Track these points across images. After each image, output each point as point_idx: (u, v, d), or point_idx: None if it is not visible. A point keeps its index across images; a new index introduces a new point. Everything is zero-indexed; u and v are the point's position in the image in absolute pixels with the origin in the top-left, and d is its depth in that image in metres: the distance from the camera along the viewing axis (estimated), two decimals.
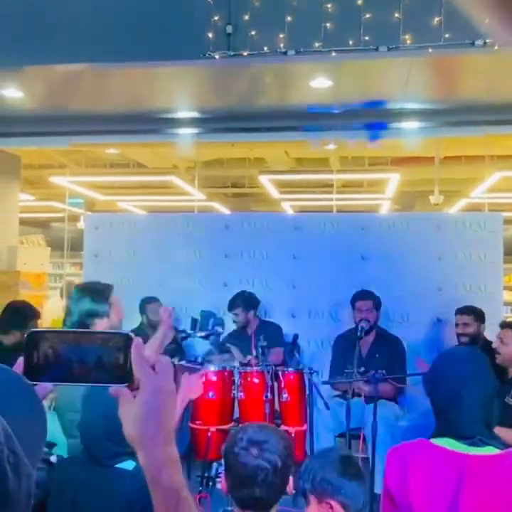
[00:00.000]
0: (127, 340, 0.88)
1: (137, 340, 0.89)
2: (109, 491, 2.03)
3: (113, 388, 0.89)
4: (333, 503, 1.94)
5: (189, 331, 3.85)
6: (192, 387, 3.19)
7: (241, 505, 1.92)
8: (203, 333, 3.86)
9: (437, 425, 2.01)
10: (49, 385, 0.90)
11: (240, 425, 3.44)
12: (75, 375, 0.88)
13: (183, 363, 3.75)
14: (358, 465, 2.19)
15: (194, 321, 3.85)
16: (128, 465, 2.07)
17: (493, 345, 4.05)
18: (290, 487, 1.99)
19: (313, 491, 1.97)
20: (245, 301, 5.24)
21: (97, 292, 2.94)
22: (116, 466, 2.08)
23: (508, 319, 7.95)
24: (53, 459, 2.23)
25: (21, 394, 0.81)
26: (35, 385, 0.86)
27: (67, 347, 0.87)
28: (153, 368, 0.91)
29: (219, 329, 3.84)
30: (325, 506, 1.95)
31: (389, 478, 1.92)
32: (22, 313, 4.60)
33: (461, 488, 1.80)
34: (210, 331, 3.82)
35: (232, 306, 5.18)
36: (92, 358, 0.87)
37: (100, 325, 2.86)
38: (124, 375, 0.88)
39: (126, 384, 0.88)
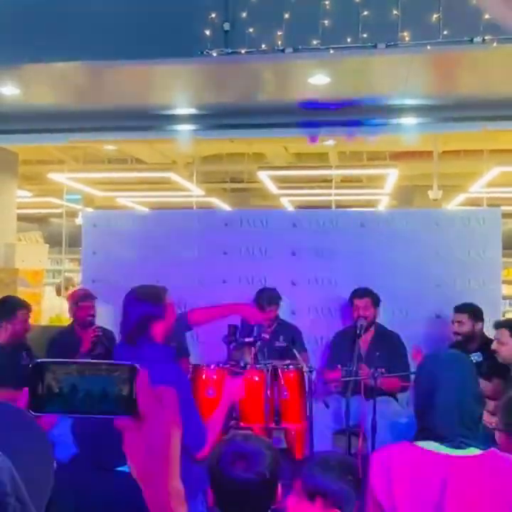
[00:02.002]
0: (132, 371, 0.87)
1: (142, 371, 0.87)
2: (111, 495, 2.00)
3: (118, 421, 0.87)
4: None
5: (234, 337, 3.86)
6: (234, 390, 3.22)
7: None
8: (250, 339, 3.89)
9: (418, 428, 2.01)
10: (52, 417, 0.88)
11: (229, 434, 3.44)
12: (80, 406, 0.86)
13: (226, 366, 3.77)
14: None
15: (233, 327, 3.86)
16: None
17: (493, 347, 4.06)
18: (279, 496, 1.92)
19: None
20: (277, 297, 5.11)
21: (154, 296, 3.01)
22: (117, 469, 2.05)
23: (507, 314, 7.97)
24: None
25: (26, 432, 0.78)
26: (40, 417, 0.85)
27: (72, 378, 0.86)
28: (159, 399, 0.88)
29: (265, 336, 3.88)
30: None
31: (373, 481, 1.91)
32: (8, 304, 4.61)
33: (447, 490, 1.82)
34: (256, 337, 3.86)
35: (270, 303, 5.03)
36: (96, 389, 0.86)
37: (157, 327, 2.95)
38: (129, 407, 0.86)
39: (131, 416, 0.87)
